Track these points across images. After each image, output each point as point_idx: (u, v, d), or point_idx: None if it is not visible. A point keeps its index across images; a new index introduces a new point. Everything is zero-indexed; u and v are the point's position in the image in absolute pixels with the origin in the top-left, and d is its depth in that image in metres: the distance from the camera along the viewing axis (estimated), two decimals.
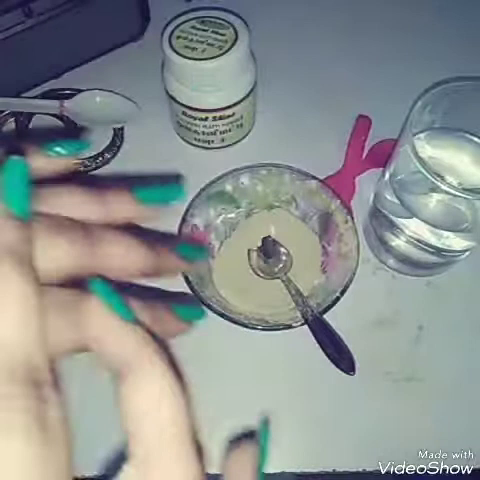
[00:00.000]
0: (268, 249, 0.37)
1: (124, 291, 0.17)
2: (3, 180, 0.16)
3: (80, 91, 0.44)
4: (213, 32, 0.37)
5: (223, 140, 0.42)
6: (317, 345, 0.33)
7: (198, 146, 0.43)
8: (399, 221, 0.34)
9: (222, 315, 0.32)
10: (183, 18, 0.38)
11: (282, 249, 0.38)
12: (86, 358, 0.17)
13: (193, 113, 0.39)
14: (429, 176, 0.28)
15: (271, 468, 0.33)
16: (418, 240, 0.34)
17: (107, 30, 0.45)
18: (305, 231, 0.38)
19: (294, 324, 0.33)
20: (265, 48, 0.42)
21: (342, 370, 0.33)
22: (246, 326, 0.32)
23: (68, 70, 0.45)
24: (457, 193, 0.27)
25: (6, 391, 0.13)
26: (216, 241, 0.38)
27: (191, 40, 0.37)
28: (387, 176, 0.33)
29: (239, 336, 0.33)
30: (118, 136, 0.43)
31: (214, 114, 0.39)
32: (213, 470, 0.35)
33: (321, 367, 0.33)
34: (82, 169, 0.42)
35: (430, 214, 0.32)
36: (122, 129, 0.44)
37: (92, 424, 0.35)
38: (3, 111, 0.44)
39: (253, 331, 0.32)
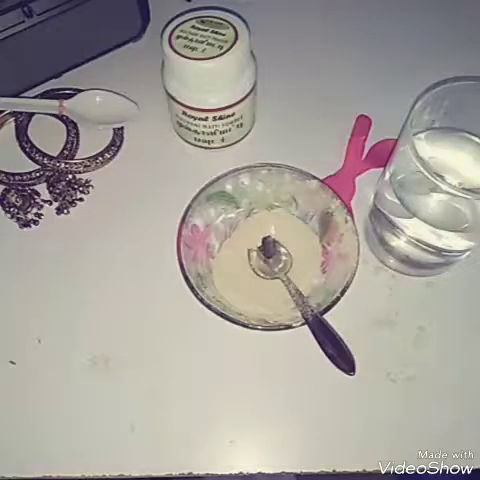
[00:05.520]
0: (268, 249, 0.37)
1: None
2: None
3: (80, 91, 0.44)
4: (213, 32, 0.37)
5: (223, 140, 0.42)
6: (317, 345, 0.33)
7: (198, 146, 0.43)
8: (399, 221, 0.34)
9: (222, 315, 0.32)
10: (183, 18, 0.38)
11: (282, 249, 0.37)
12: None
13: (193, 113, 0.39)
14: (429, 176, 0.28)
15: (271, 468, 0.33)
16: (418, 240, 0.34)
17: (107, 30, 0.45)
18: (305, 231, 0.38)
19: (294, 324, 0.33)
20: (265, 48, 0.42)
21: (342, 370, 0.33)
22: (246, 326, 0.32)
23: (68, 70, 0.45)
24: (457, 193, 0.27)
25: None
26: (216, 241, 0.38)
27: (191, 40, 0.37)
28: (387, 176, 0.33)
29: (239, 336, 0.33)
30: (118, 136, 0.43)
31: (214, 114, 0.39)
32: (213, 470, 0.36)
33: (321, 367, 0.33)
34: (82, 169, 0.42)
35: (430, 214, 0.32)
36: (122, 129, 0.44)
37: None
38: (3, 111, 0.44)
39: (253, 331, 0.32)
